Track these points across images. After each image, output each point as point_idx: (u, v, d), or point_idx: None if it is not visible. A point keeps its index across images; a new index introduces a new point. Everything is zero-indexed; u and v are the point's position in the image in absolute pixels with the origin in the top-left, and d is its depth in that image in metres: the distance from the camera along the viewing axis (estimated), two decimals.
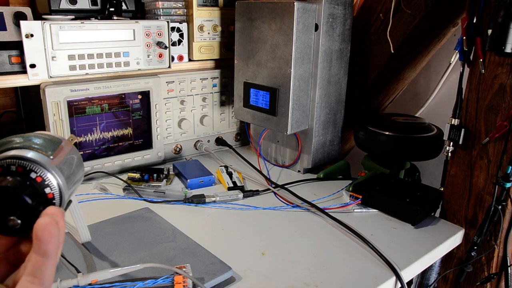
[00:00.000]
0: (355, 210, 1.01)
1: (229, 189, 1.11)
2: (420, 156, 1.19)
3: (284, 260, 0.81)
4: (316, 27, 1.12)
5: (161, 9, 1.23)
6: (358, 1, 1.34)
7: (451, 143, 0.98)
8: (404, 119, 1.23)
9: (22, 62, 1.02)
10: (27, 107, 1.33)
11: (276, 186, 1.13)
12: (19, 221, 0.44)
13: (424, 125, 1.19)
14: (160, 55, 1.21)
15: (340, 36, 1.17)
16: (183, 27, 1.27)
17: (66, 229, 0.83)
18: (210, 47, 1.31)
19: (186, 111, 1.31)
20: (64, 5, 1.13)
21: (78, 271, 0.70)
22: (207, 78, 1.33)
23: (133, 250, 0.79)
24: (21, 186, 0.45)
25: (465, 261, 0.97)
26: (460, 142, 0.95)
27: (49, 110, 1.04)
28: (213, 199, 1.03)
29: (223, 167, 1.20)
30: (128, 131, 1.19)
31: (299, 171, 1.26)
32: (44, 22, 1.01)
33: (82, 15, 1.16)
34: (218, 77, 1.35)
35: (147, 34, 1.17)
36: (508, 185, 0.88)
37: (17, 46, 1.01)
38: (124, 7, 1.25)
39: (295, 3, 1.03)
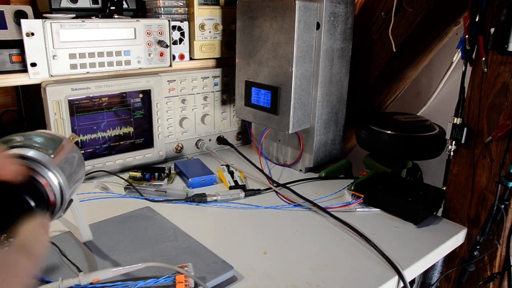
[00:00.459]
0: (357, 209, 1.01)
1: (231, 188, 1.10)
2: (422, 155, 1.18)
3: (286, 259, 0.81)
4: (318, 26, 1.11)
5: (162, 8, 1.23)
6: None
7: (454, 142, 0.97)
8: (406, 118, 1.23)
9: (23, 61, 1.02)
10: (28, 106, 1.32)
11: (278, 185, 1.13)
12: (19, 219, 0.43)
13: (426, 124, 1.18)
14: (161, 54, 1.21)
15: (341, 35, 1.17)
16: (184, 25, 1.26)
17: (67, 228, 0.83)
18: (211, 46, 1.31)
19: (187, 110, 1.31)
20: (65, 3, 1.13)
21: (80, 270, 0.70)
22: (208, 77, 1.32)
23: (134, 249, 0.79)
24: (22, 185, 0.44)
25: (467, 261, 0.97)
26: (463, 141, 0.95)
27: (50, 109, 1.04)
28: (214, 198, 1.03)
29: (224, 166, 1.20)
30: (129, 130, 1.19)
31: (300, 170, 1.26)
32: (45, 21, 1.00)
33: (83, 13, 1.16)
34: (219, 76, 1.35)
35: (148, 33, 1.17)
36: (510, 184, 0.88)
37: (18, 44, 1.01)
38: (125, 5, 1.25)
39: (297, 2, 1.03)
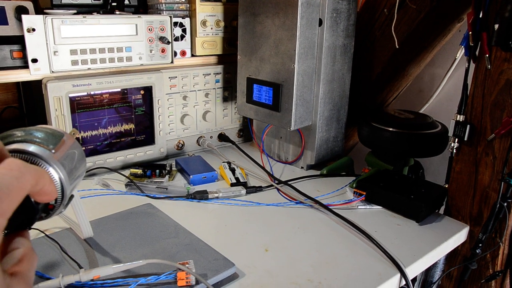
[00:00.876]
0: (359, 207, 1.01)
1: (232, 185, 1.10)
2: (424, 152, 1.18)
3: (287, 257, 0.81)
4: (320, 22, 1.11)
5: (163, 4, 1.22)
6: None
7: (456, 139, 0.97)
8: (408, 115, 1.22)
9: (24, 57, 1.02)
10: (29, 102, 1.32)
11: (279, 182, 1.12)
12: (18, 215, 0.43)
13: (428, 122, 1.18)
14: (163, 50, 1.20)
15: (344, 32, 1.16)
16: (186, 22, 1.26)
17: (68, 224, 0.83)
18: (213, 43, 1.31)
19: (189, 107, 1.30)
20: None
21: (80, 267, 0.70)
22: (210, 74, 1.32)
23: (135, 246, 0.79)
24: None
25: (469, 259, 0.96)
26: (465, 139, 0.94)
27: (51, 105, 1.04)
28: (215, 195, 1.03)
29: (226, 163, 1.20)
30: (130, 126, 1.19)
31: (302, 167, 1.26)
32: (46, 17, 1.00)
33: (84, 9, 1.15)
34: (221, 73, 1.34)
35: (149, 29, 1.16)
36: None
37: (19, 40, 1.01)
38: (126, 1, 1.24)
39: None
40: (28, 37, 0.99)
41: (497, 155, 0.90)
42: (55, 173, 0.48)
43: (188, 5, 1.26)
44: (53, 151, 0.49)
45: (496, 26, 0.84)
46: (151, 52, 1.18)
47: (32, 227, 0.47)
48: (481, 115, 0.92)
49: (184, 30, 1.26)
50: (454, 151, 0.98)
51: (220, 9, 1.29)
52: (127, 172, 1.13)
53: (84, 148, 1.12)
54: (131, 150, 1.20)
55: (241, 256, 0.79)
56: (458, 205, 0.99)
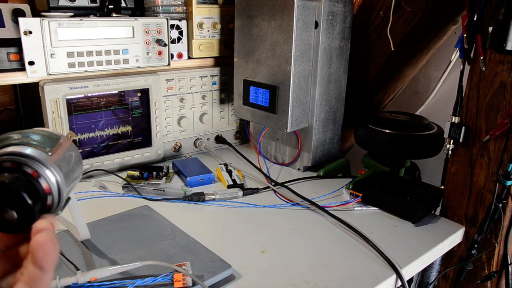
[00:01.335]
0: (355, 208, 1.01)
1: (229, 187, 1.10)
2: (420, 154, 1.18)
3: (284, 258, 0.81)
4: (316, 25, 1.11)
5: (160, 7, 1.23)
6: None
7: (452, 141, 0.97)
8: (404, 117, 1.23)
9: (21, 59, 1.02)
10: (26, 104, 1.32)
11: (276, 184, 1.13)
12: (15, 215, 0.43)
13: (424, 123, 1.18)
14: (160, 53, 1.21)
15: (340, 34, 1.17)
16: (183, 24, 1.26)
17: (65, 226, 0.83)
18: (210, 45, 1.31)
19: (186, 109, 1.30)
20: (63, 2, 1.12)
21: (77, 269, 0.70)
22: (206, 76, 1.32)
23: (132, 248, 0.79)
24: (18, 182, 0.44)
25: (465, 259, 0.97)
26: (461, 140, 0.95)
27: (48, 108, 1.04)
28: (212, 197, 1.03)
29: (222, 165, 1.20)
30: (127, 129, 1.19)
31: (299, 169, 1.26)
32: (42, 19, 1.00)
33: (81, 12, 1.16)
34: (217, 75, 1.35)
35: (146, 32, 1.16)
36: (508, 183, 0.88)
37: (16, 43, 1.01)
38: (123, 4, 1.24)
39: (295, 1, 1.03)
40: (25, 40, 0.99)
41: (492, 156, 0.91)
42: (52, 176, 0.48)
43: (184, 8, 1.26)
44: (49, 153, 0.49)
45: (490, 28, 0.85)
46: (148, 54, 1.19)
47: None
48: (476, 116, 0.93)
49: (181, 33, 1.26)
50: (450, 152, 0.99)
51: (217, 11, 1.29)
52: (124, 174, 1.14)
53: (81, 150, 1.12)
54: (128, 152, 1.20)
55: (237, 257, 0.79)
56: (453, 206, 1.00)
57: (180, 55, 1.28)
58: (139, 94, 1.19)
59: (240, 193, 1.06)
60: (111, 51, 1.12)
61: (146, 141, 1.23)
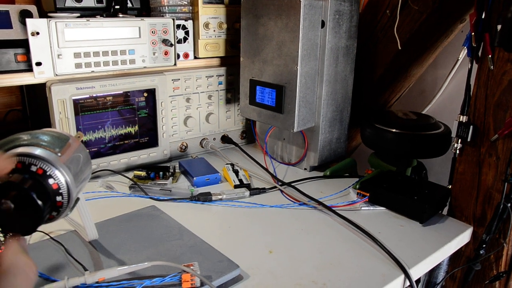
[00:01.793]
0: (362, 208, 1.01)
1: (236, 187, 1.10)
2: (427, 153, 1.18)
3: (291, 258, 0.81)
4: (323, 24, 1.11)
5: (166, 7, 1.23)
6: None
7: (459, 140, 0.97)
8: (411, 116, 1.22)
9: (28, 60, 1.02)
10: (32, 105, 1.33)
11: (283, 184, 1.12)
12: (12, 205, 0.43)
13: (431, 123, 1.18)
14: (166, 53, 1.21)
15: (346, 33, 1.16)
16: (189, 24, 1.26)
17: (72, 227, 0.83)
18: (216, 45, 1.31)
19: (192, 109, 1.31)
20: (70, 3, 1.13)
21: (85, 269, 0.70)
22: (212, 76, 1.32)
23: (140, 248, 0.79)
24: (28, 183, 0.44)
25: (473, 260, 0.96)
26: (469, 139, 0.94)
27: (55, 108, 1.04)
28: (219, 197, 1.03)
29: (229, 165, 1.20)
30: (133, 129, 1.19)
31: (305, 169, 1.26)
32: (49, 20, 1.01)
33: (87, 13, 1.16)
34: (223, 75, 1.35)
35: (152, 32, 1.17)
36: None
37: (23, 44, 1.01)
38: (129, 4, 1.25)
39: (302, 0, 1.03)
40: (32, 41, 1.00)
41: (500, 155, 0.90)
42: (61, 176, 0.48)
43: (190, 8, 1.26)
44: (59, 154, 0.49)
45: (499, 26, 0.84)
46: (154, 54, 1.19)
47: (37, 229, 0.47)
48: (484, 115, 0.92)
49: (187, 33, 1.26)
50: (457, 152, 0.98)
51: (223, 11, 1.29)
52: (130, 175, 1.14)
53: (88, 150, 1.12)
54: (134, 153, 1.20)
55: (245, 258, 0.79)
56: (461, 206, 0.99)
57: (186, 55, 1.28)
58: (145, 94, 1.19)
59: (247, 193, 1.06)
60: (118, 52, 1.13)
61: (153, 141, 1.24)
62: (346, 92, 1.24)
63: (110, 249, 0.78)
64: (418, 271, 0.81)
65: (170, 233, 0.85)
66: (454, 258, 1.02)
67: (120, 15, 1.19)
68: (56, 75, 1.05)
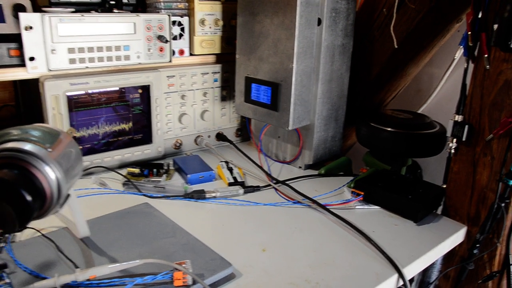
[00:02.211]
0: (356, 207, 1.01)
1: (230, 184, 1.10)
2: (422, 153, 1.18)
3: (285, 257, 0.81)
4: (319, 22, 1.10)
5: (162, 3, 1.22)
6: None
7: (454, 139, 0.97)
8: (406, 115, 1.22)
9: (21, 55, 1.01)
10: (26, 101, 1.31)
11: (277, 182, 1.12)
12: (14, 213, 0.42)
13: (426, 122, 1.18)
14: (161, 49, 1.20)
15: (343, 31, 1.16)
16: (184, 21, 1.25)
17: (64, 223, 0.82)
18: (212, 42, 1.30)
19: (187, 106, 1.30)
20: None
21: (76, 267, 0.70)
22: (208, 73, 1.32)
23: (132, 246, 0.78)
24: (17, 179, 0.44)
25: (467, 259, 0.96)
26: (464, 139, 0.94)
27: (48, 104, 1.03)
28: (213, 194, 1.02)
29: (223, 163, 1.19)
30: (128, 125, 1.18)
31: (300, 167, 1.25)
32: (43, 15, 0.99)
33: (82, 8, 1.15)
34: (219, 72, 1.34)
35: (148, 28, 1.16)
36: (511, 182, 0.87)
37: (16, 38, 1.00)
38: (124, 0, 1.24)
39: None
40: (25, 35, 0.98)
41: (495, 155, 0.90)
42: (51, 172, 0.47)
43: (186, 4, 1.26)
44: (49, 149, 0.49)
45: (495, 26, 0.84)
46: (149, 51, 1.18)
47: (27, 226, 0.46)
48: (480, 115, 0.92)
49: (182, 29, 1.25)
50: (452, 151, 0.98)
51: (219, 8, 1.28)
52: (124, 171, 1.13)
53: (81, 147, 1.11)
54: (128, 149, 1.19)
55: (238, 256, 0.79)
56: (455, 205, 0.99)
57: (181, 52, 1.27)
58: (140, 91, 1.18)
59: (241, 191, 1.05)
60: (112, 47, 1.12)
61: (147, 138, 1.23)
62: (342, 90, 1.23)
63: (102, 247, 0.78)
64: (412, 271, 0.81)
65: (163, 231, 0.84)
66: (448, 257, 1.01)
67: (115, 11, 1.18)
68: (50, 70, 1.04)
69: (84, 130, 1.11)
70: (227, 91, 1.38)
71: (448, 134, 0.97)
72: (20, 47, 1.00)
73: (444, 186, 1.03)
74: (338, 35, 1.15)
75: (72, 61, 1.07)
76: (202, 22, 1.26)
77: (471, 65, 0.93)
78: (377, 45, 1.30)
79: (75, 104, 1.08)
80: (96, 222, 0.86)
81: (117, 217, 0.89)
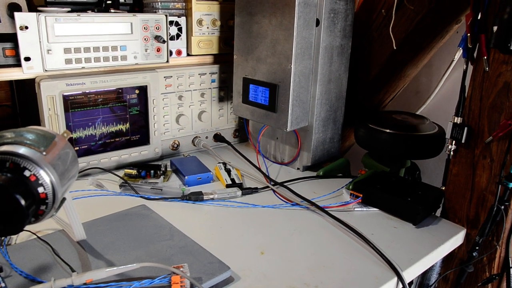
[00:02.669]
0: (355, 209, 1.00)
1: (228, 186, 1.09)
2: (421, 154, 1.17)
3: (283, 260, 0.80)
4: (317, 23, 1.10)
5: (159, 3, 1.21)
6: None
7: (454, 141, 0.96)
8: (405, 117, 1.22)
9: (17, 55, 1.00)
10: (22, 101, 1.30)
11: (275, 183, 1.11)
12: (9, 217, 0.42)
13: (425, 123, 1.17)
14: (158, 50, 1.19)
15: (341, 32, 1.15)
16: (182, 21, 1.24)
17: (60, 226, 0.81)
18: (209, 42, 1.29)
19: (184, 107, 1.29)
20: None
21: (73, 270, 0.69)
22: (205, 73, 1.31)
23: (129, 249, 0.78)
24: (11, 183, 0.43)
25: (466, 262, 0.96)
26: (463, 141, 0.94)
27: (44, 105, 1.02)
28: (211, 196, 1.02)
29: (221, 164, 1.19)
30: (125, 126, 1.17)
31: (298, 169, 1.25)
32: (39, 14, 0.98)
33: (78, 7, 1.14)
34: (217, 73, 1.33)
35: (145, 28, 1.15)
36: (511, 184, 0.87)
37: (12, 38, 0.99)
38: (121, 0, 1.23)
39: None
40: (21, 35, 0.97)
41: (494, 157, 0.90)
42: (46, 176, 0.46)
43: (184, 4, 1.25)
44: (44, 153, 0.48)
45: (495, 28, 0.84)
46: (146, 51, 1.17)
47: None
48: (479, 117, 0.92)
49: (180, 29, 1.25)
50: (452, 153, 0.97)
51: (217, 8, 1.28)
52: (121, 173, 1.12)
53: (77, 148, 1.10)
54: (125, 150, 1.18)
55: (236, 259, 0.78)
56: (455, 207, 0.99)
57: (179, 52, 1.26)
58: (137, 91, 1.17)
59: (239, 192, 1.05)
60: (109, 48, 1.11)
61: (144, 139, 1.22)
62: (340, 91, 1.23)
63: (99, 250, 0.77)
64: (411, 273, 0.81)
65: (160, 233, 0.83)
66: (447, 260, 1.01)
67: (112, 11, 1.17)
68: (46, 70, 1.03)
69: (81, 131, 1.10)
70: (224, 92, 1.37)
71: (447, 136, 0.96)
72: (16, 47, 0.99)
73: (443, 188, 1.02)
74: (336, 36, 1.14)
75: (68, 61, 1.06)
76: (200, 22, 1.25)
77: (470, 67, 0.93)
78: (375, 46, 1.30)
79: (72, 105, 1.07)
80: (93, 225, 0.85)
81: (114, 219, 0.88)
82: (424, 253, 0.84)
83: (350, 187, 1.06)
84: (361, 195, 1.01)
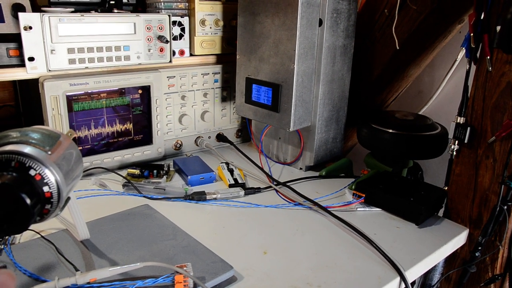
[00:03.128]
0: (358, 209, 1.00)
1: (230, 186, 1.09)
2: (424, 154, 1.17)
3: (286, 259, 0.80)
4: (320, 22, 1.10)
5: (162, 3, 1.21)
6: None
7: (456, 141, 0.96)
8: (407, 116, 1.22)
9: (21, 55, 1.00)
10: (25, 101, 1.31)
11: (278, 183, 1.11)
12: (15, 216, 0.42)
13: (428, 123, 1.17)
14: (161, 50, 1.19)
15: (344, 32, 1.15)
16: (185, 21, 1.25)
17: (64, 225, 0.82)
18: (212, 42, 1.30)
19: (187, 107, 1.29)
20: None
21: (77, 270, 0.69)
22: (208, 73, 1.31)
23: (132, 248, 0.78)
24: (17, 183, 0.43)
25: (469, 262, 0.96)
26: (466, 141, 0.94)
27: (47, 105, 1.03)
28: (214, 196, 1.02)
29: (224, 164, 1.19)
30: (128, 126, 1.18)
31: (301, 169, 1.25)
32: (43, 15, 0.99)
33: (82, 7, 1.14)
34: (219, 72, 1.33)
35: (148, 28, 1.15)
36: None
37: (16, 38, 0.99)
38: (124, 0, 1.23)
39: None
40: (24, 35, 0.98)
41: (497, 157, 0.90)
42: (51, 175, 0.47)
43: (187, 4, 1.25)
44: (49, 152, 0.48)
45: (498, 28, 0.84)
46: (149, 51, 1.17)
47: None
48: (482, 117, 0.91)
49: (183, 29, 1.25)
50: (454, 153, 0.97)
51: (219, 8, 1.28)
52: (124, 173, 1.12)
53: (81, 147, 1.10)
54: (128, 150, 1.18)
55: (239, 258, 0.78)
56: (457, 207, 0.99)
57: (182, 52, 1.27)
58: (140, 91, 1.17)
59: (242, 192, 1.05)
60: (112, 48, 1.11)
61: (147, 139, 1.22)
62: (343, 91, 1.23)
63: (102, 249, 0.77)
64: (414, 273, 0.81)
65: (163, 233, 0.84)
66: (450, 260, 1.01)
67: (115, 11, 1.18)
68: (49, 70, 1.03)
69: (84, 131, 1.11)
70: (227, 92, 1.37)
71: (450, 136, 0.96)
72: (20, 47, 1.00)
73: (446, 188, 1.02)
74: (339, 36, 1.14)
75: (71, 61, 1.06)
76: (203, 22, 1.25)
77: (473, 67, 0.93)
78: (378, 46, 1.30)
79: (75, 105, 1.07)
80: (96, 224, 0.85)
81: (117, 219, 0.88)
82: (427, 253, 0.84)
83: (353, 187, 1.06)
84: (364, 195, 1.01)
